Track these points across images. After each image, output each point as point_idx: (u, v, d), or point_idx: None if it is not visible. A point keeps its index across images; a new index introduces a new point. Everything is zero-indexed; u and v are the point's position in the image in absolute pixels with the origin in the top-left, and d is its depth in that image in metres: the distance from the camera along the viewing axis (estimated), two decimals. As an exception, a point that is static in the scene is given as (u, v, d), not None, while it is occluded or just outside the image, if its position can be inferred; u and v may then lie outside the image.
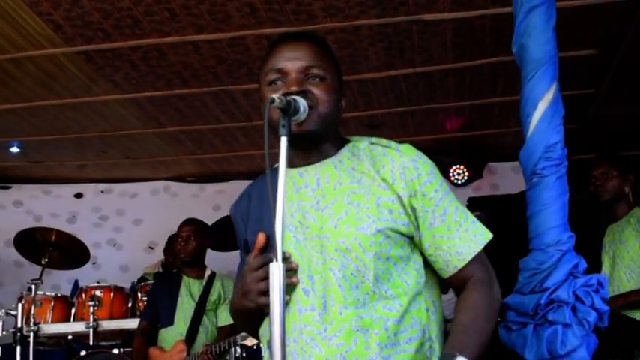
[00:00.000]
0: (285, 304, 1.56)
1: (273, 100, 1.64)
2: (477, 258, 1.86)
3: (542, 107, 2.76)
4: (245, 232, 1.99)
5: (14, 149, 7.04)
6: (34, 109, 5.95)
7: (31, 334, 5.41)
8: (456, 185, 7.34)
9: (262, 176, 2.06)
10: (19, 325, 5.45)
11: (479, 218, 5.67)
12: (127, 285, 6.29)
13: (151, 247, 7.89)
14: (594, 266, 3.08)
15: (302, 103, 1.75)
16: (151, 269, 6.85)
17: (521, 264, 2.82)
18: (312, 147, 1.89)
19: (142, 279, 6.45)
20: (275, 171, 1.74)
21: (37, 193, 8.30)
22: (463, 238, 1.85)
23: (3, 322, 5.75)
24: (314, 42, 1.94)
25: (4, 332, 5.70)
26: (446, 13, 4.41)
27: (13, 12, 4.24)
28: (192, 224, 4.93)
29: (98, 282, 5.88)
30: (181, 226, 4.96)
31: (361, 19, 4.44)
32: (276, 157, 1.65)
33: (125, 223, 8.26)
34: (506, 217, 5.14)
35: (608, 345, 3.27)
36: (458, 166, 7.34)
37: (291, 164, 1.85)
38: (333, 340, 1.74)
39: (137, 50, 4.81)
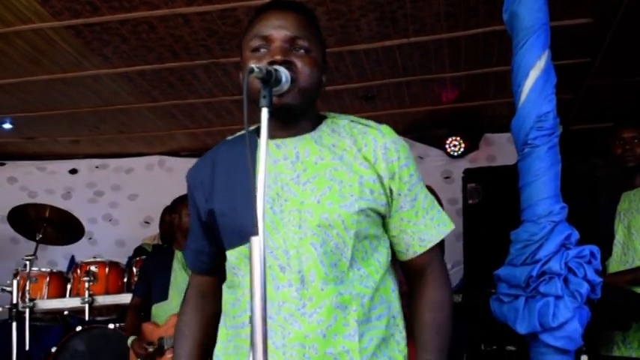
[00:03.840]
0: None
1: (252, 70, 1.57)
2: (436, 247, 1.90)
3: (533, 76, 2.72)
4: (208, 201, 1.91)
5: (6, 125, 6.97)
6: (24, 85, 5.89)
7: (27, 311, 5.42)
8: (452, 157, 7.30)
9: (225, 142, 2.01)
10: (15, 301, 5.45)
11: (475, 190, 5.58)
12: (123, 260, 6.29)
13: (147, 222, 7.87)
14: (592, 237, 3.03)
15: (284, 73, 1.69)
16: (150, 240, 6.83)
17: (512, 236, 2.80)
18: (290, 120, 1.85)
19: (140, 249, 6.43)
20: (250, 137, 1.72)
21: (31, 170, 8.26)
22: (428, 226, 1.89)
23: (-2, 299, 5.76)
24: (302, 13, 1.88)
25: (0, 309, 5.70)
26: (439, -19, 4.35)
27: (-1, -15, 4.18)
28: None
29: (94, 257, 5.87)
30: (187, 199, 4.85)
31: (353, -12, 4.38)
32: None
33: (121, 199, 8.23)
34: (502, 189, 5.09)
35: (603, 316, 3.25)
36: (454, 138, 7.29)
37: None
38: (313, 317, 1.72)
39: (126, 23, 4.74)
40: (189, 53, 5.27)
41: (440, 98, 6.62)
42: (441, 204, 4.74)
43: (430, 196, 1.93)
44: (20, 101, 6.30)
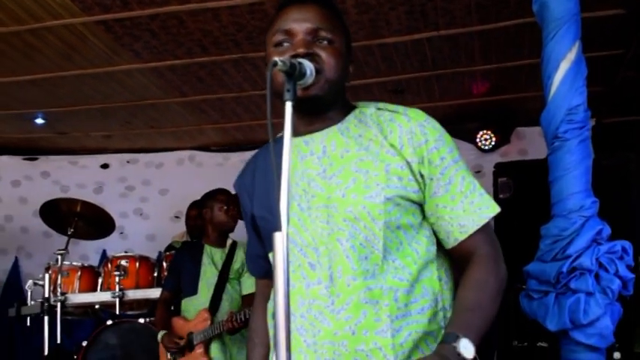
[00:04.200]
0: (291, 279, 1.50)
1: (276, 64, 1.55)
2: (481, 232, 1.78)
3: (564, 67, 2.67)
4: (251, 206, 1.94)
5: (39, 120, 7.05)
6: (55, 80, 5.93)
7: (58, 304, 5.46)
8: (483, 151, 7.23)
9: (266, 146, 2.01)
10: (47, 295, 5.50)
11: (506, 184, 5.51)
12: (154, 254, 6.32)
13: (177, 217, 7.88)
14: (624, 232, 2.97)
15: (309, 66, 1.67)
16: (179, 238, 6.87)
17: (542, 231, 2.75)
18: (317, 113, 1.82)
19: (170, 247, 6.46)
20: (281, 140, 1.70)
21: (63, 164, 8.35)
22: (467, 210, 1.77)
23: (31, 293, 5.81)
24: (323, 5, 1.85)
25: (33, 302, 5.76)
26: (469, -26, 4.31)
27: (29, -19, 4.21)
28: (228, 192, 4.83)
29: (126, 252, 5.90)
30: (219, 194, 4.83)
31: (381, -19, 4.35)
32: (281, 126, 1.59)
33: (151, 193, 8.29)
34: (534, 183, 5.03)
35: (637, 313, 3.20)
36: (485, 132, 7.22)
37: (295, 132, 1.81)
38: (341, 314, 1.69)
39: (156, 18, 4.75)
40: (219, 48, 5.27)
41: (470, 91, 6.56)
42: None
43: (470, 179, 1.81)
44: (52, 96, 6.34)
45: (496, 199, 5.42)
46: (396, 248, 1.74)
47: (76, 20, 4.74)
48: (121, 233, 7.86)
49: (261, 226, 1.91)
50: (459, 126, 7.29)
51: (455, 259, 1.84)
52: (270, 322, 1.90)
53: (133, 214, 8.23)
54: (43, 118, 7.02)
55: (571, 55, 2.67)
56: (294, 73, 1.59)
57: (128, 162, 8.37)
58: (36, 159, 8.36)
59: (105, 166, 8.38)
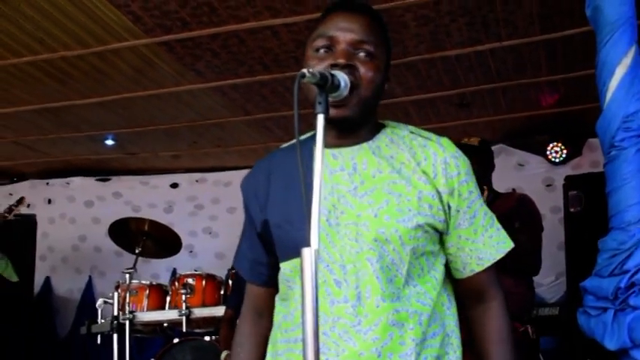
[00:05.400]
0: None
1: (303, 75, 1.50)
2: (493, 267, 1.84)
3: (619, 73, 2.58)
4: (263, 212, 1.86)
5: (109, 142, 7.22)
6: (124, 102, 6.07)
7: (127, 322, 5.52)
8: (554, 163, 7.05)
9: (280, 150, 1.95)
10: (115, 313, 5.57)
11: (576, 197, 5.31)
12: (222, 273, 6.34)
13: (246, 235, 7.91)
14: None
15: (343, 78, 1.61)
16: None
17: (599, 245, 2.65)
18: (348, 130, 1.78)
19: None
20: (305, 143, 1.71)
21: (134, 184, 8.51)
22: (486, 244, 1.83)
23: (102, 311, 5.90)
24: (371, 16, 1.80)
25: (103, 321, 5.85)
26: (530, -18, 4.21)
27: (91, 4, 4.30)
28: None
29: (195, 270, 5.95)
30: None
31: (440, -7, 4.29)
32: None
33: (220, 212, 8.34)
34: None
35: None
36: (555, 144, 7.03)
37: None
38: (368, 334, 1.65)
39: (216, 38, 4.81)
40: (280, 65, 5.30)
41: (539, 103, 6.40)
42: (538, 214, 4.43)
43: (490, 214, 1.86)
44: (121, 118, 6.49)
45: (566, 212, 5.28)
46: (417, 274, 1.74)
47: (139, 42, 4.84)
48: (191, 252, 7.94)
49: (275, 234, 1.82)
50: (529, 139, 7.15)
51: (461, 289, 1.88)
52: (279, 336, 1.84)
53: (202, 233, 8.30)
54: (113, 140, 7.18)
55: (627, 60, 2.57)
56: (325, 84, 1.55)
57: (197, 181, 8.47)
58: (108, 179, 8.55)
59: (174, 185, 8.51)
